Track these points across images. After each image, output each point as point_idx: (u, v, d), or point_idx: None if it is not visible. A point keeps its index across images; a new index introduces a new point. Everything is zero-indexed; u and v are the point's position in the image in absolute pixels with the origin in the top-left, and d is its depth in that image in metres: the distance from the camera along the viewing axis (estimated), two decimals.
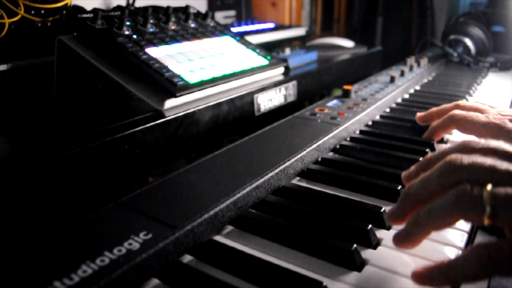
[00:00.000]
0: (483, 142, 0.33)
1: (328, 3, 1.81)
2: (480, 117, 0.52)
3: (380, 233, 0.37)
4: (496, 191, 0.28)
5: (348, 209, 0.41)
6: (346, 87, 0.74)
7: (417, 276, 0.30)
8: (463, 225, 0.38)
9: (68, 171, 0.43)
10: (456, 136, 0.63)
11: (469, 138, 0.59)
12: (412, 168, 0.39)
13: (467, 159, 0.31)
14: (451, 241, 0.36)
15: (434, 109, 0.61)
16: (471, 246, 0.28)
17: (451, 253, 0.35)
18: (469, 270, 0.27)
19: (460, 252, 0.35)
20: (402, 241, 0.33)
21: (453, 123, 0.55)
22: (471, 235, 0.37)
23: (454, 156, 0.32)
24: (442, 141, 0.61)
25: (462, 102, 0.59)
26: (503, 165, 0.30)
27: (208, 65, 0.65)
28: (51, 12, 0.70)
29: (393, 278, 0.32)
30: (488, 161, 0.30)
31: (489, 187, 0.28)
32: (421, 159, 0.52)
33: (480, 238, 0.37)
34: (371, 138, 0.59)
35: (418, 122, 0.63)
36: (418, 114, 0.63)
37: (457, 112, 0.55)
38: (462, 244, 0.36)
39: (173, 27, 0.71)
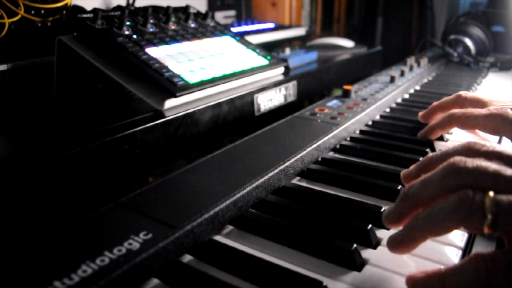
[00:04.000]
0: (489, 145, 0.32)
1: (328, 3, 1.81)
2: (480, 110, 0.51)
3: (380, 233, 0.37)
4: (498, 198, 0.27)
5: (348, 209, 0.41)
6: (346, 87, 0.74)
7: (412, 282, 0.29)
8: None
9: (68, 171, 0.43)
10: (456, 136, 0.63)
11: (469, 138, 0.60)
12: (412, 167, 0.37)
13: (471, 162, 0.30)
14: (451, 241, 0.36)
15: (435, 103, 0.61)
16: (469, 256, 0.27)
17: (452, 254, 0.34)
18: (465, 280, 0.26)
19: (460, 252, 0.35)
20: (398, 245, 0.32)
21: (453, 121, 0.54)
22: (472, 235, 0.37)
23: (457, 159, 0.31)
24: (441, 139, 0.61)
25: (463, 92, 0.59)
26: (507, 171, 0.29)
27: (208, 65, 0.65)
28: (51, 12, 0.70)
29: (393, 278, 0.32)
30: (493, 166, 0.29)
31: (491, 194, 0.27)
32: (421, 159, 0.51)
33: (479, 240, 0.37)
34: (371, 138, 0.59)
35: (421, 120, 0.62)
36: (420, 113, 0.63)
37: (456, 110, 0.54)
38: (462, 244, 0.36)
39: (173, 27, 0.71)
